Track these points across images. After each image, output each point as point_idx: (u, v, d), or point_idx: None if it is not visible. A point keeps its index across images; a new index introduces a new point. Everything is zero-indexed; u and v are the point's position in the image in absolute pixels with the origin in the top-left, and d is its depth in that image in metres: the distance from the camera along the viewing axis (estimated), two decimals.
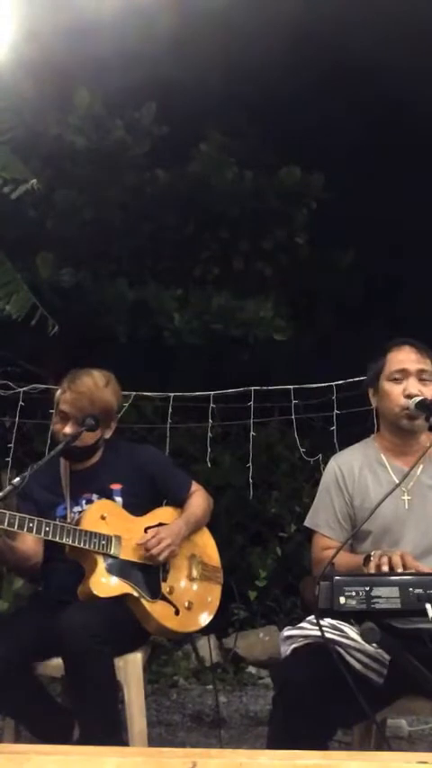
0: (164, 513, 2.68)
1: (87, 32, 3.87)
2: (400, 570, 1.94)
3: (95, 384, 2.60)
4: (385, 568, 1.95)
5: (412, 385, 2.27)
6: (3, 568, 3.82)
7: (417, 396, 2.24)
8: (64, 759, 1.28)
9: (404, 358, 2.32)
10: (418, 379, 2.28)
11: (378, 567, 1.97)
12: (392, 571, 1.94)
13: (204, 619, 2.64)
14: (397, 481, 2.22)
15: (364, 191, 5.25)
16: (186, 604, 2.57)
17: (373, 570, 1.97)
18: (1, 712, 2.50)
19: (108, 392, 2.63)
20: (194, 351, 5.28)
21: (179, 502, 2.72)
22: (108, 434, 2.70)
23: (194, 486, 2.77)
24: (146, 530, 2.58)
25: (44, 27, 3.66)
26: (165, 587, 2.55)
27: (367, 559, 2.06)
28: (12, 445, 3.85)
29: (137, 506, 2.62)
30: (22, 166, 3.99)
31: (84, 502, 2.62)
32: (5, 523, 2.30)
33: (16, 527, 2.32)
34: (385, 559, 1.98)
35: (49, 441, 3.71)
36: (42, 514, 2.45)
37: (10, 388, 3.93)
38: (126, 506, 2.61)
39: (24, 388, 3.90)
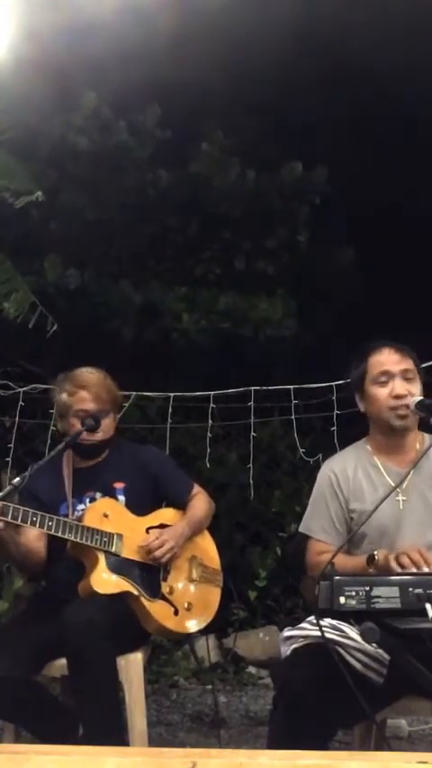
0: (166, 514, 2.69)
1: (87, 32, 3.87)
2: (425, 569, 1.96)
3: (101, 376, 2.69)
4: (413, 569, 1.96)
5: (399, 386, 2.24)
6: (2, 568, 3.82)
7: (404, 395, 2.23)
8: (64, 759, 1.27)
9: (386, 359, 2.28)
10: (403, 378, 2.26)
11: (402, 566, 1.98)
12: (418, 570, 1.96)
13: (203, 620, 2.64)
14: (391, 482, 2.23)
15: (365, 190, 5.25)
16: (186, 605, 2.57)
17: (398, 570, 1.98)
18: (3, 719, 2.50)
19: (112, 383, 2.73)
20: (199, 350, 5.27)
21: (180, 504, 2.72)
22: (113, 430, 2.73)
23: (195, 489, 2.77)
24: (148, 530, 2.59)
25: (43, 27, 3.66)
26: (165, 587, 2.55)
27: (371, 559, 2.06)
28: (12, 445, 3.86)
29: (139, 505, 2.63)
30: (28, 179, 3.97)
31: (87, 500, 2.63)
32: (9, 516, 2.31)
33: (20, 520, 2.33)
34: (406, 560, 1.99)
35: (49, 440, 3.72)
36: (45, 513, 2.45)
37: (10, 388, 3.94)
38: (128, 505, 2.61)
39: (24, 388, 3.90)
